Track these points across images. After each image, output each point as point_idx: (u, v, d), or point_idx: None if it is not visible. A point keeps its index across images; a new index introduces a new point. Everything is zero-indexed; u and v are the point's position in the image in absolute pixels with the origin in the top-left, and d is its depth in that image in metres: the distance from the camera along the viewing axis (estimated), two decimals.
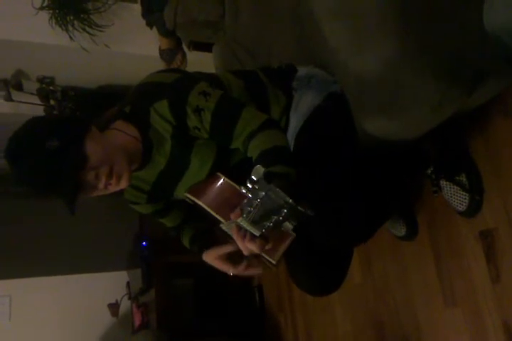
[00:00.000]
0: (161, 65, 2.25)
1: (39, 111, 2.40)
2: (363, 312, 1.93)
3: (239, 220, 0.84)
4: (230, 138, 1.13)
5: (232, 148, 1.16)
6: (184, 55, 2.26)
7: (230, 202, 1.04)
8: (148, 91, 1.19)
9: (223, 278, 1.29)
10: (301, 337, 2.40)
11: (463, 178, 1.40)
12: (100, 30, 2.10)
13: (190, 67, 2.26)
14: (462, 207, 1.41)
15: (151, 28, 2.17)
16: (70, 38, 2.07)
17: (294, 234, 0.98)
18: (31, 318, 2.87)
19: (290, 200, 0.82)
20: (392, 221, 1.65)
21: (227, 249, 1.19)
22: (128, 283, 2.95)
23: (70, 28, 2.07)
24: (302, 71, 1.32)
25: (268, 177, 0.88)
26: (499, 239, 1.34)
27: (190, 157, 1.20)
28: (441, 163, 1.44)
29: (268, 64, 1.53)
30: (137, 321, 2.72)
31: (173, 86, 1.16)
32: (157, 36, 2.19)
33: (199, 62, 2.14)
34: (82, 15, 2.09)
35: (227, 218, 0.96)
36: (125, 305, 2.92)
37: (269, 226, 0.83)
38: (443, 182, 1.44)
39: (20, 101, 2.37)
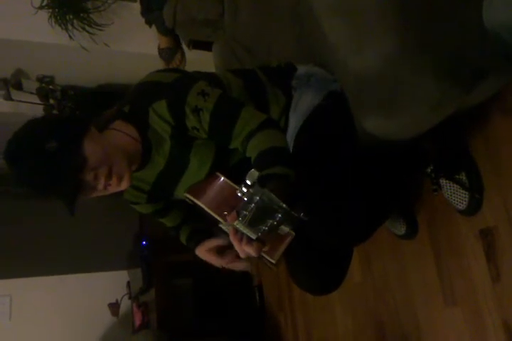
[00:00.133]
0: (160, 64, 2.25)
1: (39, 110, 2.40)
2: (362, 311, 1.93)
3: (235, 223, 0.85)
4: (228, 138, 1.12)
5: (231, 148, 1.16)
6: (183, 54, 2.26)
7: (229, 202, 1.04)
8: (147, 91, 1.19)
9: (223, 278, 1.29)
10: (301, 337, 2.40)
11: (463, 177, 1.40)
12: (100, 29, 2.10)
13: (190, 66, 2.26)
14: (462, 206, 1.41)
15: (151, 27, 2.17)
16: (70, 37, 2.07)
17: (294, 234, 0.98)
18: (31, 318, 2.87)
19: (284, 205, 0.84)
20: (392, 220, 1.65)
21: (216, 242, 1.23)
22: (128, 282, 2.95)
23: (70, 27, 2.07)
24: (301, 70, 1.32)
25: (262, 182, 0.88)
26: (499, 237, 1.34)
27: (189, 157, 1.19)
28: (440, 161, 1.44)
29: (267, 62, 1.53)
30: (137, 321, 2.72)
31: (172, 86, 1.15)
32: (156, 35, 2.18)
33: (198, 61, 2.14)
34: (81, 15, 2.09)
35: (225, 218, 0.96)
36: (125, 304, 2.92)
37: (264, 229, 0.84)
38: (443, 181, 1.44)
39: (20, 101, 2.37)
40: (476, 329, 1.42)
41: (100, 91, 2.52)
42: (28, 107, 2.39)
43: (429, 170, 1.45)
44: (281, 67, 1.38)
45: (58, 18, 2.06)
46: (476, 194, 1.38)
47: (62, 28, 2.07)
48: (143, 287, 2.69)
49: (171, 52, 2.22)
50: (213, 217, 1.11)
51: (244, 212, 0.84)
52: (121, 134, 1.15)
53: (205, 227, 1.36)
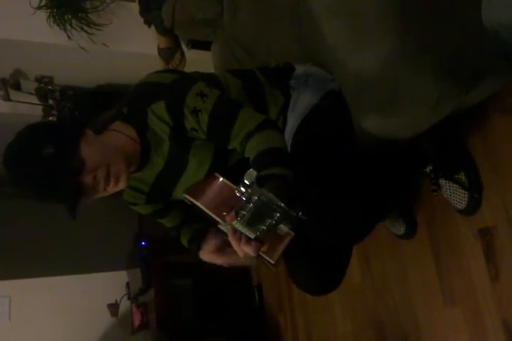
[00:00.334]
0: (159, 64, 2.24)
1: (37, 110, 2.39)
2: (362, 311, 1.93)
3: (234, 223, 0.86)
4: (227, 139, 1.12)
5: (230, 149, 1.16)
6: (183, 54, 2.25)
7: (228, 203, 1.04)
8: (146, 91, 1.18)
9: (223, 278, 1.29)
10: (300, 337, 2.40)
11: (462, 176, 1.40)
12: (98, 29, 2.10)
13: (189, 66, 2.25)
14: (461, 205, 1.41)
15: (149, 27, 2.16)
16: (68, 37, 2.07)
17: (293, 234, 0.98)
18: (31, 319, 2.86)
19: (282, 204, 0.84)
20: (391, 219, 1.65)
21: (214, 242, 1.23)
22: (127, 283, 2.95)
23: (68, 27, 2.06)
24: (300, 69, 1.32)
25: (260, 182, 0.88)
26: (498, 237, 1.34)
27: (188, 158, 1.19)
28: (439, 161, 1.44)
29: (266, 62, 1.53)
30: (137, 321, 2.71)
31: (170, 87, 1.15)
32: (155, 35, 2.18)
33: (198, 60, 2.14)
34: (80, 14, 2.08)
35: (224, 219, 0.96)
36: (125, 305, 2.92)
37: (263, 229, 0.85)
38: (442, 181, 1.44)
39: (19, 101, 2.36)
40: (476, 328, 1.42)
41: (99, 91, 2.51)
42: (27, 108, 2.38)
43: (428, 170, 1.45)
44: (279, 67, 1.38)
45: (57, 18, 2.05)
46: (475, 193, 1.38)
47: (60, 28, 2.07)
48: (142, 287, 2.68)
49: (170, 52, 2.22)
50: (212, 218, 1.11)
51: (243, 212, 0.85)
52: (120, 135, 1.15)
53: (205, 227, 1.36)
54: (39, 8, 2.04)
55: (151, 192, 1.30)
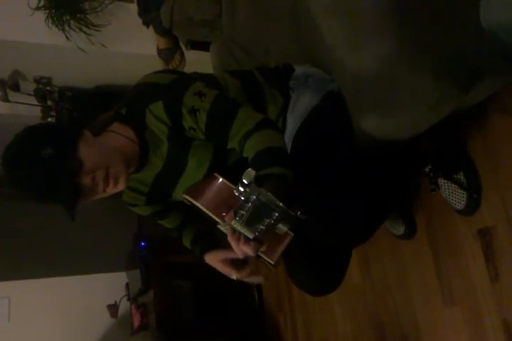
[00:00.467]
0: (158, 64, 2.24)
1: (36, 111, 2.39)
2: (362, 311, 1.93)
3: (232, 223, 0.86)
4: (225, 139, 1.12)
5: (229, 149, 1.16)
6: (183, 54, 2.25)
7: (228, 203, 1.04)
8: (144, 92, 1.18)
9: (222, 279, 1.29)
10: (300, 337, 2.40)
11: (461, 176, 1.40)
12: (97, 30, 2.09)
13: (189, 66, 2.25)
14: (460, 206, 1.41)
15: (148, 27, 2.16)
16: (67, 38, 2.06)
17: (292, 234, 0.98)
18: (30, 320, 2.86)
19: (280, 204, 0.84)
20: (390, 220, 1.65)
21: (233, 255, 1.18)
22: (127, 284, 2.95)
23: (67, 27, 2.06)
24: (299, 70, 1.32)
25: (259, 181, 0.88)
26: (497, 237, 1.34)
27: (187, 158, 1.19)
28: (439, 161, 1.44)
29: (265, 63, 1.53)
30: (136, 322, 2.71)
31: (168, 87, 1.15)
32: (154, 35, 2.18)
33: (197, 61, 2.14)
34: (78, 15, 2.08)
35: (224, 219, 0.96)
36: (124, 306, 2.91)
37: (262, 229, 0.84)
38: (441, 181, 1.44)
39: (17, 102, 2.36)
40: (476, 328, 1.42)
41: (98, 92, 2.51)
42: (26, 109, 2.38)
43: (427, 169, 1.45)
44: (278, 68, 1.38)
45: (55, 19, 2.05)
46: (474, 194, 1.38)
47: (59, 29, 2.06)
48: (142, 288, 2.68)
49: (170, 52, 2.22)
50: (212, 218, 1.11)
51: (242, 212, 0.84)
52: (119, 136, 1.15)
53: (207, 229, 1.36)
54: (37, 8, 2.03)
55: (150, 193, 1.30)
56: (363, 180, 1.15)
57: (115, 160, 1.11)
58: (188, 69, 2.25)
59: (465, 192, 1.39)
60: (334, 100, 1.22)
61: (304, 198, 0.97)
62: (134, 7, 2.17)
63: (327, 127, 1.22)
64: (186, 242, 1.38)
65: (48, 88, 2.38)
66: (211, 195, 1.15)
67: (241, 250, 0.91)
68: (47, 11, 2.05)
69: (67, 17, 2.05)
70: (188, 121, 1.13)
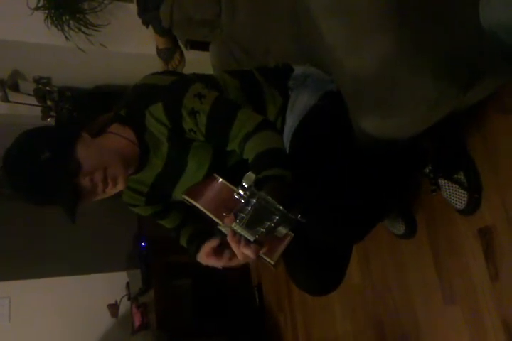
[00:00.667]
0: (158, 64, 2.24)
1: (36, 111, 2.39)
2: (362, 311, 1.93)
3: (233, 225, 0.86)
4: (225, 140, 1.12)
5: (229, 150, 1.16)
6: (182, 54, 2.25)
7: (227, 204, 1.04)
8: (144, 93, 1.18)
9: (223, 278, 1.29)
10: (300, 337, 2.40)
11: (461, 176, 1.40)
12: (96, 30, 2.09)
13: (188, 66, 2.25)
14: (461, 205, 1.41)
15: (147, 27, 2.16)
16: (66, 38, 2.06)
17: (293, 234, 0.98)
18: (31, 319, 2.87)
19: (280, 207, 0.84)
20: (390, 219, 1.65)
21: (211, 244, 1.22)
22: (127, 283, 2.95)
23: (66, 28, 2.06)
24: (298, 70, 1.31)
25: (259, 184, 0.88)
26: (498, 236, 1.34)
27: (187, 159, 1.19)
28: (439, 161, 1.44)
29: (265, 63, 1.53)
30: (137, 321, 2.72)
31: (168, 89, 1.15)
32: (153, 35, 2.18)
33: (197, 61, 2.14)
34: (77, 15, 2.08)
35: (223, 220, 0.96)
36: (125, 305, 2.92)
37: (262, 231, 0.85)
38: (441, 181, 1.44)
39: (17, 102, 2.36)
40: (476, 328, 1.42)
41: (97, 92, 2.51)
42: (25, 109, 2.38)
43: (427, 170, 1.45)
44: (278, 68, 1.38)
45: (54, 19, 2.05)
46: (475, 193, 1.38)
47: (58, 29, 2.06)
48: (142, 288, 2.69)
49: (169, 52, 2.22)
50: (212, 219, 1.11)
51: (242, 215, 0.85)
52: (118, 137, 1.15)
53: (205, 228, 1.36)
54: (37, 9, 2.03)
55: (150, 193, 1.30)
56: (363, 180, 1.15)
57: (113, 161, 1.11)
58: (187, 69, 2.25)
59: (465, 192, 1.39)
60: (333, 99, 1.22)
61: (303, 199, 0.97)
62: (133, 7, 2.17)
63: (325, 126, 1.22)
64: (183, 241, 1.39)
65: (47, 88, 2.38)
66: (211, 195, 1.15)
67: (241, 252, 0.91)
68: (46, 11, 2.05)
69: (67, 17, 2.06)
70: (187, 123, 1.13)
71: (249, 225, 0.85)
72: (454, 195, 1.41)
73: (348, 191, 1.11)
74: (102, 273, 3.02)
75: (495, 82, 1.12)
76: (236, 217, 0.85)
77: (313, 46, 1.29)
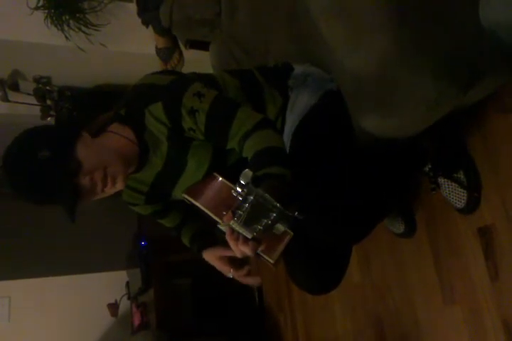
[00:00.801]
0: (157, 63, 2.24)
1: (36, 111, 2.39)
2: (362, 310, 1.93)
3: (231, 223, 0.86)
4: (225, 139, 1.11)
5: (229, 149, 1.16)
6: (181, 54, 2.25)
7: (227, 203, 1.04)
8: (143, 93, 1.18)
9: (223, 278, 1.30)
10: (300, 336, 2.40)
11: (461, 175, 1.40)
12: (96, 30, 2.09)
13: (188, 66, 2.25)
14: (460, 204, 1.41)
15: (147, 27, 2.16)
16: (66, 37, 2.06)
17: (292, 233, 0.98)
18: (30, 319, 2.87)
19: (278, 205, 0.84)
20: (390, 218, 1.65)
21: (231, 253, 1.19)
22: (127, 282, 2.95)
23: (66, 27, 2.06)
24: (298, 69, 1.32)
25: (257, 182, 0.88)
26: (497, 235, 1.34)
27: (186, 158, 1.19)
28: (439, 160, 1.44)
29: (265, 62, 1.53)
30: (136, 321, 2.72)
31: (167, 88, 1.15)
32: (153, 35, 2.18)
33: (196, 60, 2.14)
34: (77, 15, 2.08)
35: (223, 218, 0.97)
36: (124, 305, 2.92)
37: (260, 229, 0.85)
38: (441, 180, 1.44)
39: (17, 102, 2.36)
40: (476, 327, 1.42)
41: (97, 91, 2.51)
42: (25, 108, 2.38)
43: (427, 168, 1.45)
44: (278, 67, 1.38)
45: (54, 18, 2.05)
46: (474, 192, 1.38)
47: (58, 29, 2.06)
48: (142, 287, 2.69)
49: (168, 52, 2.22)
50: (212, 218, 1.11)
51: (239, 212, 0.85)
52: (118, 137, 1.15)
53: (206, 227, 1.36)
54: (36, 8, 2.03)
55: (150, 192, 1.30)
56: (363, 179, 1.15)
57: (113, 160, 1.12)
58: (186, 68, 2.25)
59: (465, 191, 1.39)
60: (333, 99, 1.22)
61: (302, 197, 0.97)
62: (133, 6, 2.17)
63: (325, 126, 1.22)
64: (185, 240, 1.39)
65: (47, 87, 2.38)
66: (210, 194, 1.15)
67: (239, 250, 0.92)
68: (46, 11, 2.04)
69: (67, 17, 2.05)
70: (187, 122, 1.13)
71: (247, 222, 0.85)
72: (454, 193, 1.41)
73: (348, 191, 1.11)
74: (101, 272, 3.02)
75: (495, 82, 1.12)
76: (234, 215, 0.86)
77: (313, 46, 1.29)
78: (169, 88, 1.15)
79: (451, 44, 1.02)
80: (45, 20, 2.05)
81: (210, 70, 1.87)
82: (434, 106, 1.03)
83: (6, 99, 2.34)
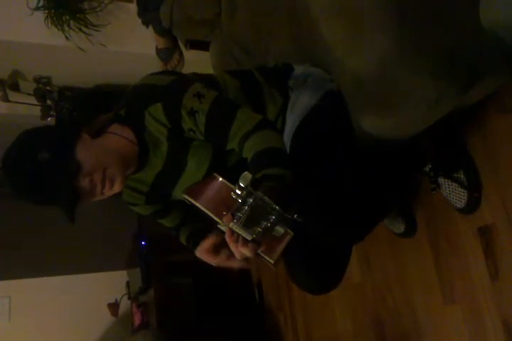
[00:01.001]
0: (158, 64, 2.24)
1: (36, 111, 2.39)
2: (362, 310, 1.93)
3: (230, 225, 0.87)
4: (225, 140, 1.11)
5: (229, 150, 1.16)
6: (181, 54, 2.25)
7: (227, 203, 1.04)
8: (143, 93, 1.18)
9: (223, 277, 1.30)
10: (300, 336, 2.40)
11: (461, 175, 1.40)
12: (96, 30, 2.10)
13: (188, 66, 2.25)
14: (461, 204, 1.41)
15: (147, 27, 2.16)
16: (66, 38, 2.07)
17: (292, 234, 0.98)
18: (31, 319, 2.87)
19: (277, 207, 0.84)
20: (390, 218, 1.65)
21: (211, 240, 1.23)
22: (127, 282, 2.95)
23: (66, 27, 2.06)
24: (299, 70, 1.32)
25: (256, 183, 0.88)
26: (498, 235, 1.34)
27: (186, 159, 1.19)
28: (439, 160, 1.44)
29: (265, 62, 1.53)
30: (137, 321, 2.72)
31: (167, 89, 1.15)
32: (153, 35, 2.18)
33: (196, 61, 2.14)
34: (77, 15, 2.08)
35: (223, 219, 0.97)
36: (125, 304, 2.93)
37: (259, 231, 0.85)
38: (441, 180, 1.44)
39: (17, 102, 2.37)
40: (476, 327, 1.42)
41: (97, 91, 2.51)
42: (26, 108, 2.38)
43: (427, 168, 1.45)
44: (278, 67, 1.38)
45: (54, 19, 2.05)
46: (475, 192, 1.38)
47: (58, 29, 2.07)
48: (142, 287, 2.69)
49: (168, 52, 2.22)
50: (211, 218, 1.11)
51: (239, 214, 0.85)
52: (118, 137, 1.16)
53: (204, 227, 1.36)
54: (37, 9, 2.03)
55: (150, 192, 1.30)
56: (363, 179, 1.15)
57: (113, 161, 1.12)
58: (186, 69, 2.25)
59: (465, 191, 1.39)
60: (333, 99, 1.22)
61: (302, 198, 0.97)
62: (133, 7, 2.17)
63: (326, 126, 1.22)
64: (182, 238, 1.39)
65: (47, 88, 2.38)
66: (210, 194, 1.15)
67: (239, 251, 0.92)
68: (46, 11, 2.05)
69: (67, 17, 2.06)
70: (187, 123, 1.13)
71: (247, 224, 0.85)
72: (454, 193, 1.41)
73: (348, 191, 1.11)
74: (102, 272, 3.03)
75: (495, 82, 1.12)
76: (233, 217, 0.86)
77: (313, 46, 1.29)
78: (169, 89, 1.15)
79: (451, 44, 1.01)
80: (45, 20, 2.06)
81: (210, 70, 1.87)
82: (434, 106, 1.03)
83: (6, 99, 2.34)
